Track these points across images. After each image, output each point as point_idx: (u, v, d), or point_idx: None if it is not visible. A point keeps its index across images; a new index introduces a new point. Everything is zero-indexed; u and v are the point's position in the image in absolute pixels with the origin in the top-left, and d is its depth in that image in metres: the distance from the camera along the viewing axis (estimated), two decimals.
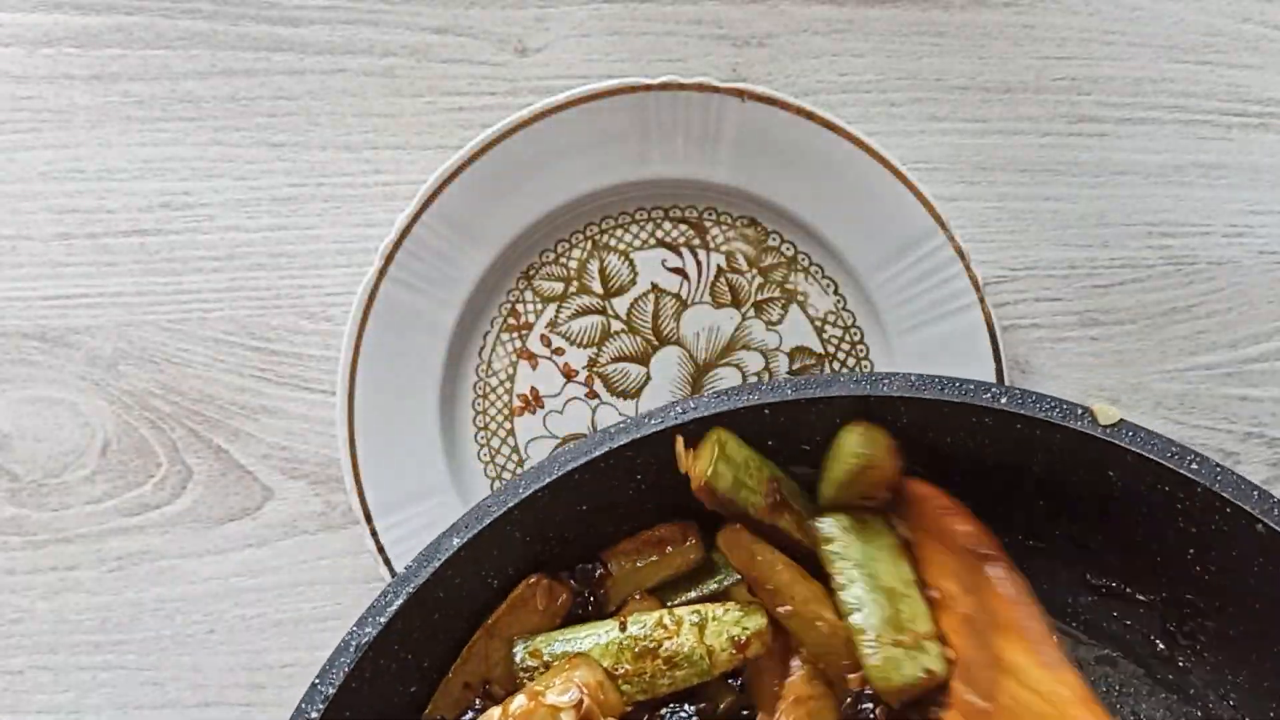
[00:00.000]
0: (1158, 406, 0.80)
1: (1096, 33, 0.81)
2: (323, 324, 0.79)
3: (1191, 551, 0.63)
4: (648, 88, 0.74)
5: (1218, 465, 0.60)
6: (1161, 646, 0.67)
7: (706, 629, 0.62)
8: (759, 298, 0.79)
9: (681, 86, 0.74)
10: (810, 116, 0.74)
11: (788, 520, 0.63)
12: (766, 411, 0.63)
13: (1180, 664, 0.67)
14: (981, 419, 0.62)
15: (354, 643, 0.60)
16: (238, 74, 0.80)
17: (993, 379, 0.74)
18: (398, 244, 0.74)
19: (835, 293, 0.78)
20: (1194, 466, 0.60)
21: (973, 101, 0.81)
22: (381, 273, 0.74)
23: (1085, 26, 0.81)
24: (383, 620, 0.61)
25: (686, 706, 0.64)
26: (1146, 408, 0.80)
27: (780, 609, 0.63)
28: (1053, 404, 0.62)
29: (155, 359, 0.79)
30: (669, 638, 0.62)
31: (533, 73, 0.80)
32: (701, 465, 0.62)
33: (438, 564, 0.61)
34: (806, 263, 0.78)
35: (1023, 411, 0.62)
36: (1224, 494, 0.60)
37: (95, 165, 0.79)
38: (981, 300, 0.74)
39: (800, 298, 0.78)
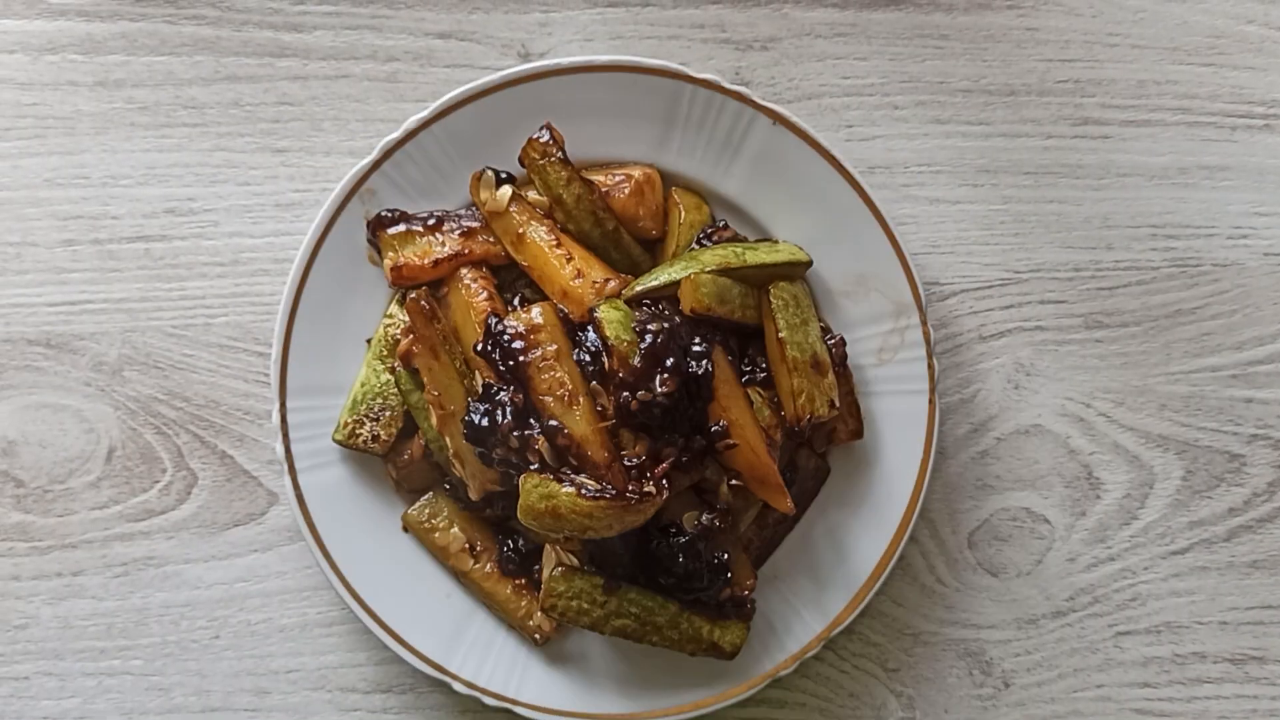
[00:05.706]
0: (1163, 409, 0.80)
1: (1100, 35, 0.81)
2: None
3: None
4: (689, 78, 0.74)
5: None
6: None
7: None
8: None
9: (722, 89, 0.74)
10: (833, 162, 0.74)
11: None
12: None
13: None
14: None
15: None
16: (241, 80, 0.80)
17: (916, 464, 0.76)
18: (400, 144, 0.74)
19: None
20: None
21: (976, 104, 0.81)
22: (376, 165, 0.74)
23: (1088, 29, 0.81)
24: None
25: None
26: (1151, 410, 0.80)
27: None
28: None
29: (160, 365, 0.79)
30: None
31: None
32: None
33: None
34: None
35: None
36: None
37: (100, 171, 0.79)
38: (931, 391, 0.75)
39: None
